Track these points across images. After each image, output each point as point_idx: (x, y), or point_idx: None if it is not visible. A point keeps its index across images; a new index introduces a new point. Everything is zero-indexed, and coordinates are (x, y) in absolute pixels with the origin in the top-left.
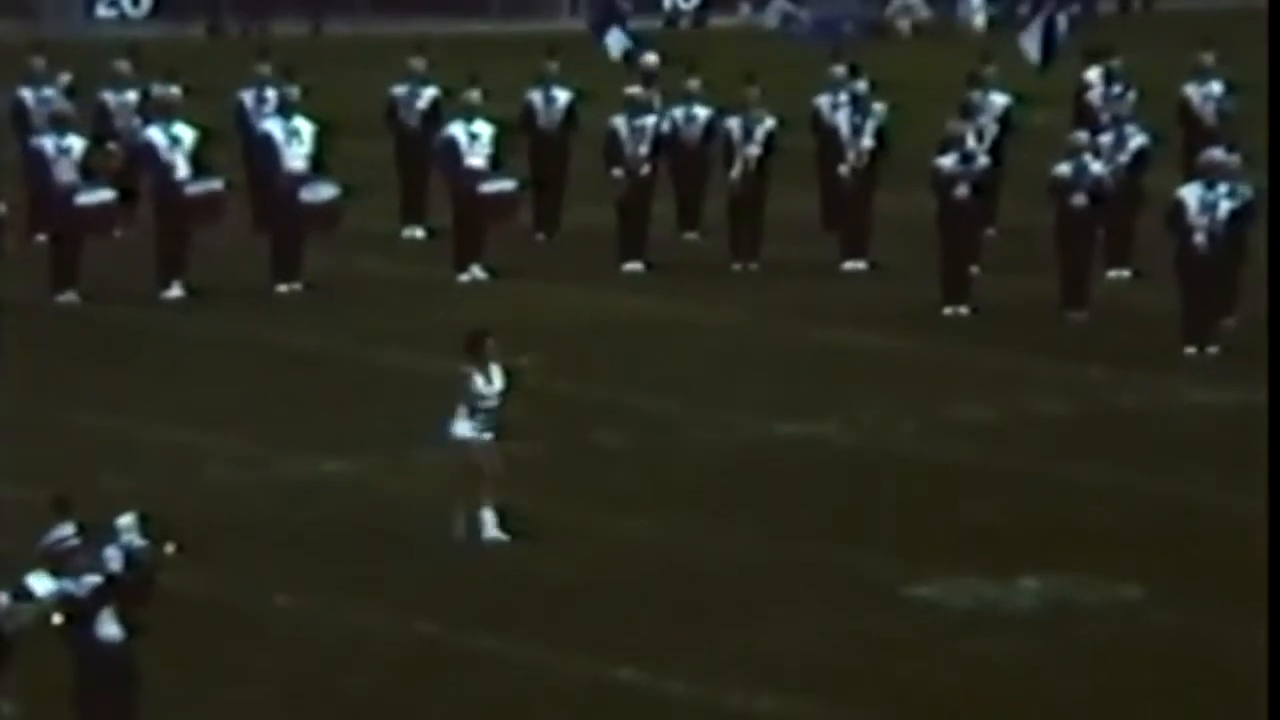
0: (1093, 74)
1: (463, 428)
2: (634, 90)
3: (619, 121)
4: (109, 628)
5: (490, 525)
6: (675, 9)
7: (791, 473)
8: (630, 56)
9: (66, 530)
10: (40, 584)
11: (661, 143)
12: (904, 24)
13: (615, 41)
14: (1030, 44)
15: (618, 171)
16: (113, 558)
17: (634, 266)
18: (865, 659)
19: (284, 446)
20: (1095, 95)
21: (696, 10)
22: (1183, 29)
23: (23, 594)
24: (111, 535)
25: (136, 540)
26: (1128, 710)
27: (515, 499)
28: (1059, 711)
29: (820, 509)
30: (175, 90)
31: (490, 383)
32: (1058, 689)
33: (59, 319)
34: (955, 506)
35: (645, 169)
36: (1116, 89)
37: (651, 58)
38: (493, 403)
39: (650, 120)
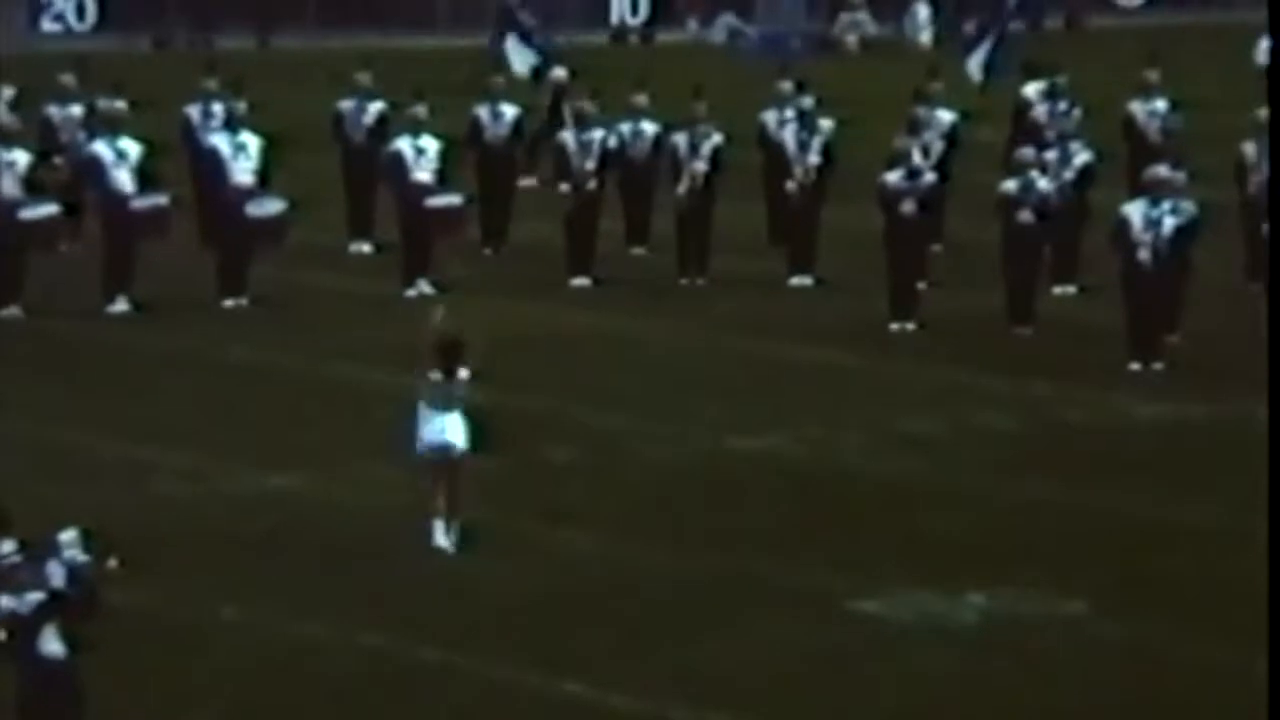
0: (1031, 90)
1: (427, 435)
2: (582, 104)
3: (567, 136)
4: (52, 645)
5: (439, 533)
6: (623, 24)
7: (739, 487)
8: (538, 73)
9: (7, 547)
10: None
11: (609, 158)
12: (851, 40)
13: (520, 57)
14: (975, 63)
15: (565, 186)
16: (55, 574)
17: (582, 281)
18: (812, 673)
19: (231, 460)
20: (1041, 112)
21: (644, 25)
22: (1125, 46)
23: None
24: (53, 551)
25: (79, 556)
26: None
27: (463, 512)
28: None
29: (767, 523)
30: (121, 104)
31: (452, 381)
32: (1004, 703)
33: (2, 333)
34: (902, 520)
35: (592, 184)
36: (1062, 105)
37: (560, 72)
38: (454, 404)
39: (598, 135)
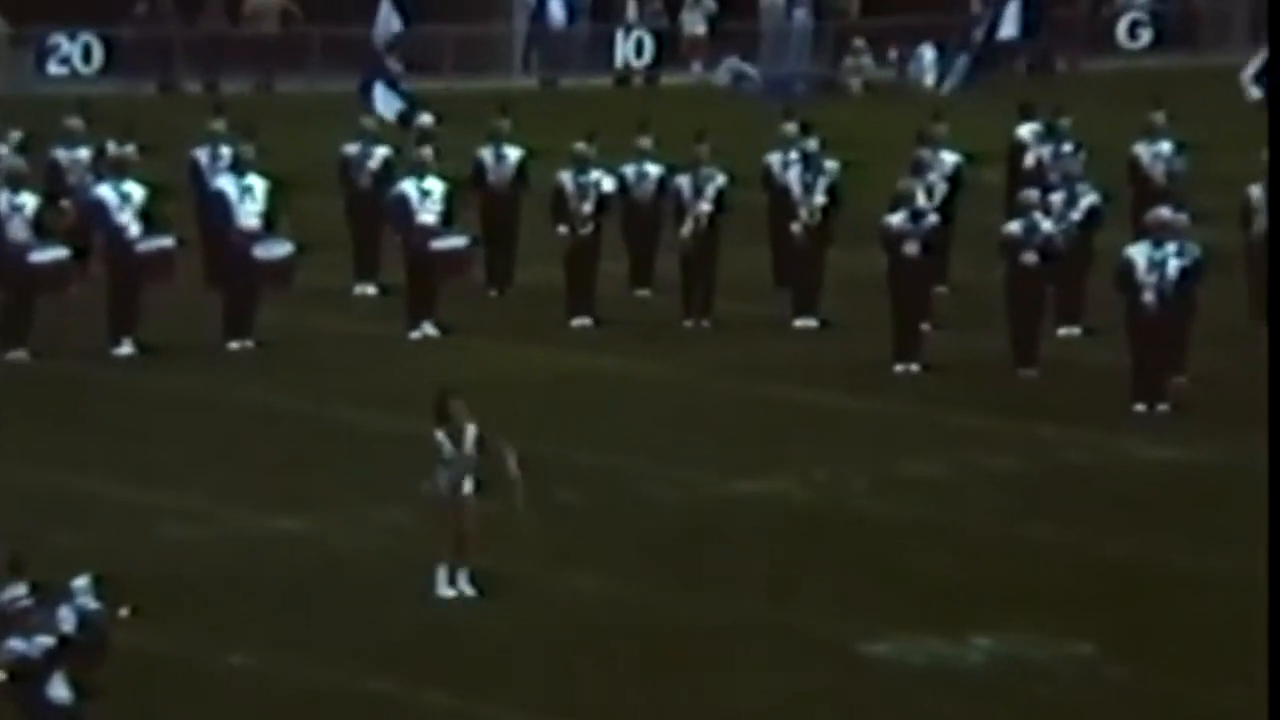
0: (1026, 131)
1: (437, 484)
2: (582, 147)
3: (565, 177)
4: (59, 689)
5: (443, 582)
6: (627, 67)
7: (744, 530)
8: (405, 118)
9: (20, 590)
10: None
11: (605, 200)
12: (855, 83)
13: (386, 103)
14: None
15: (563, 228)
16: (66, 619)
17: (582, 322)
18: (819, 717)
19: (236, 503)
20: (1045, 154)
21: (648, 68)
22: (1126, 88)
23: None
24: (66, 596)
25: (91, 603)
26: None
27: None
28: None
29: (773, 566)
30: (131, 149)
31: (459, 445)
32: None
33: (8, 376)
34: (908, 564)
35: (589, 226)
36: (1067, 147)
37: (427, 118)
38: (465, 464)
39: (595, 177)
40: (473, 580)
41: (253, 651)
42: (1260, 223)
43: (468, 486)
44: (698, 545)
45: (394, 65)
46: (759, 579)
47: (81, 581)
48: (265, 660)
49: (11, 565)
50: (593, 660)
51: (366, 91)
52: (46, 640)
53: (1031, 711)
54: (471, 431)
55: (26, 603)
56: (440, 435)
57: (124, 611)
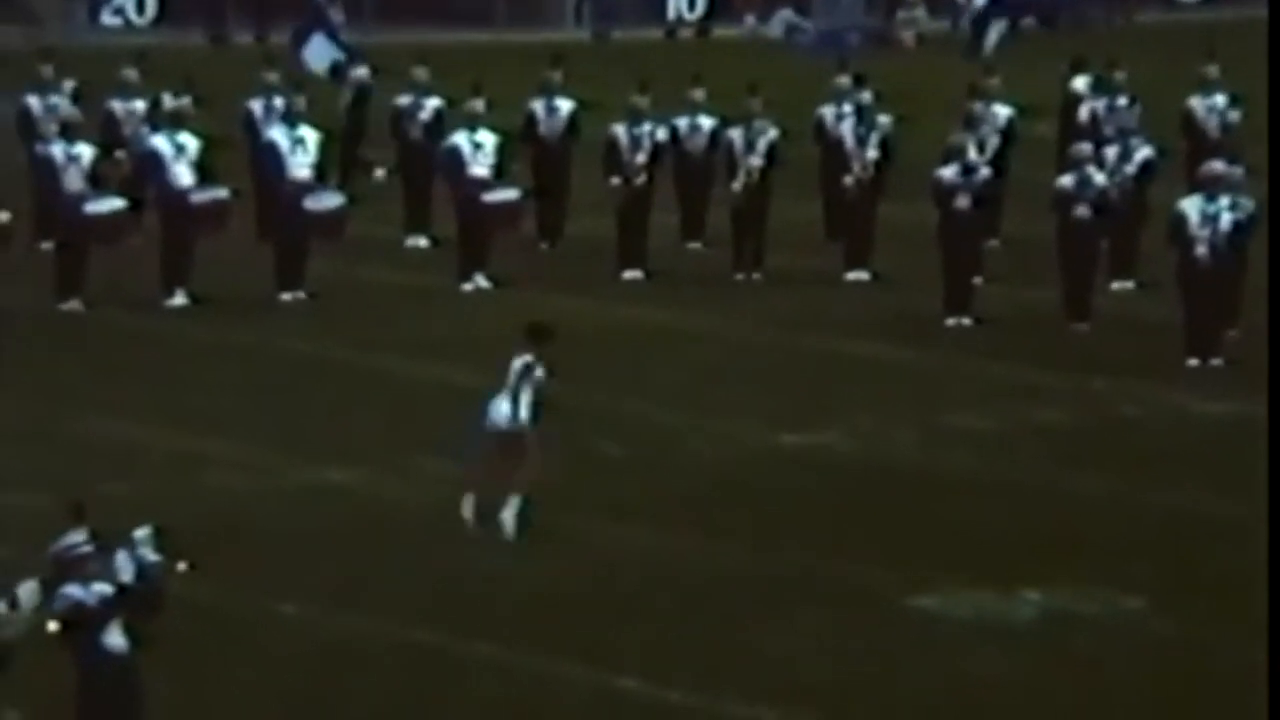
0: (1080, 83)
1: (503, 413)
2: (637, 99)
3: (619, 130)
4: (115, 638)
5: (509, 515)
6: (679, 19)
7: (792, 482)
8: (337, 69)
9: (79, 537)
10: (26, 594)
11: (660, 152)
12: (908, 35)
13: (319, 53)
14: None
15: (615, 180)
16: (124, 568)
17: (633, 274)
18: (866, 670)
19: (287, 454)
20: (1099, 107)
21: (700, 20)
22: (1178, 40)
23: (14, 602)
24: (126, 545)
25: (150, 554)
26: None
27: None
28: None
29: (821, 519)
30: (187, 102)
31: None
32: (1059, 700)
33: (63, 326)
34: (957, 517)
35: (642, 178)
36: (1121, 101)
37: (362, 71)
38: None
39: (649, 129)
40: (521, 512)
41: (302, 601)
42: None
43: (524, 415)
44: (746, 498)
45: (335, 15)
46: (809, 532)
47: (142, 532)
48: (314, 610)
49: (73, 512)
50: (641, 611)
51: (302, 40)
52: (104, 588)
53: (1080, 665)
54: (521, 361)
55: (86, 550)
56: (534, 359)
57: (182, 566)
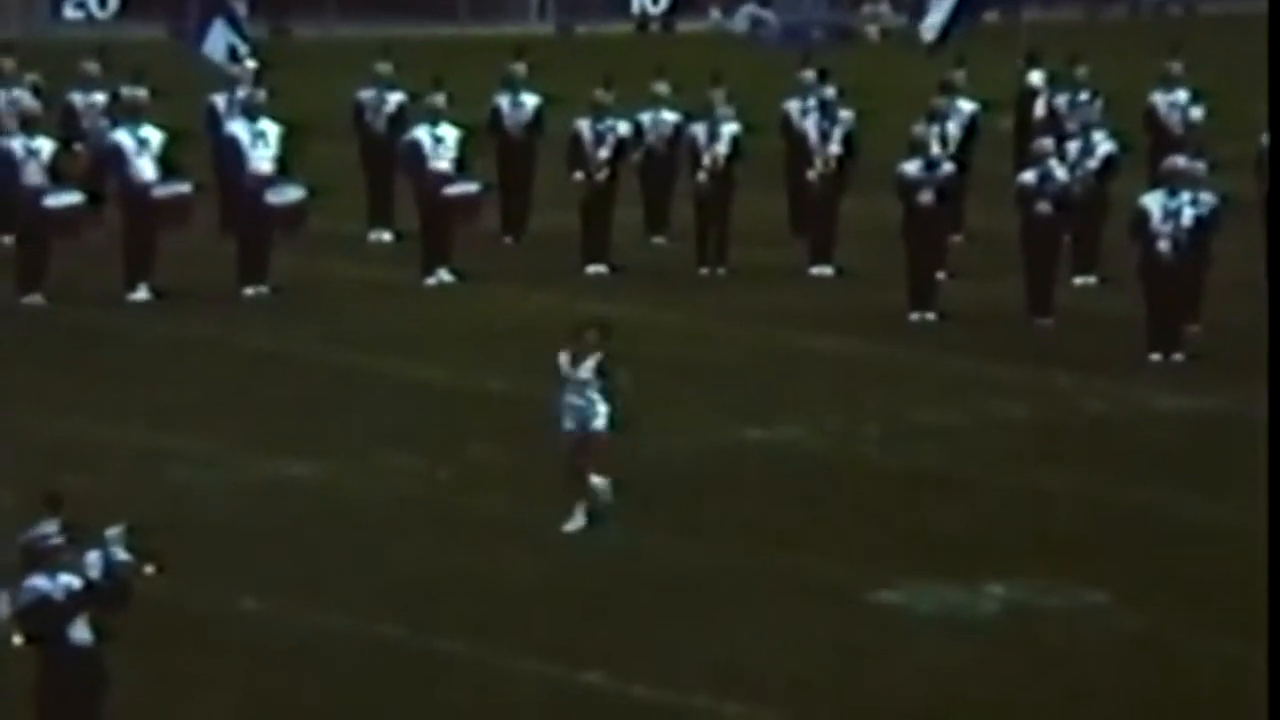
0: (1036, 77)
1: (563, 420)
2: (601, 94)
3: (583, 125)
4: (80, 631)
5: (578, 516)
6: (644, 13)
7: (756, 477)
8: (235, 55)
9: (50, 528)
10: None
11: (624, 146)
12: (872, 30)
13: (216, 41)
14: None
15: (579, 175)
16: (94, 565)
17: (597, 269)
18: (830, 665)
19: (249, 448)
20: (1061, 102)
21: (665, 14)
22: (1142, 36)
23: None
24: (98, 543)
25: (120, 553)
26: (1094, 716)
27: (481, 503)
28: (1024, 717)
29: (785, 514)
30: (143, 92)
31: (576, 367)
32: (1023, 695)
33: (24, 321)
34: (920, 512)
35: (604, 173)
36: (1083, 95)
37: (250, 64)
38: (583, 393)
39: (612, 124)
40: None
41: (263, 596)
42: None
43: (599, 422)
44: (710, 493)
45: (238, 4)
46: (772, 527)
47: (114, 531)
48: (275, 605)
49: (49, 502)
50: (606, 607)
51: (203, 28)
52: (71, 580)
53: (1044, 660)
54: (594, 360)
55: (56, 541)
56: (564, 355)
57: (150, 569)
